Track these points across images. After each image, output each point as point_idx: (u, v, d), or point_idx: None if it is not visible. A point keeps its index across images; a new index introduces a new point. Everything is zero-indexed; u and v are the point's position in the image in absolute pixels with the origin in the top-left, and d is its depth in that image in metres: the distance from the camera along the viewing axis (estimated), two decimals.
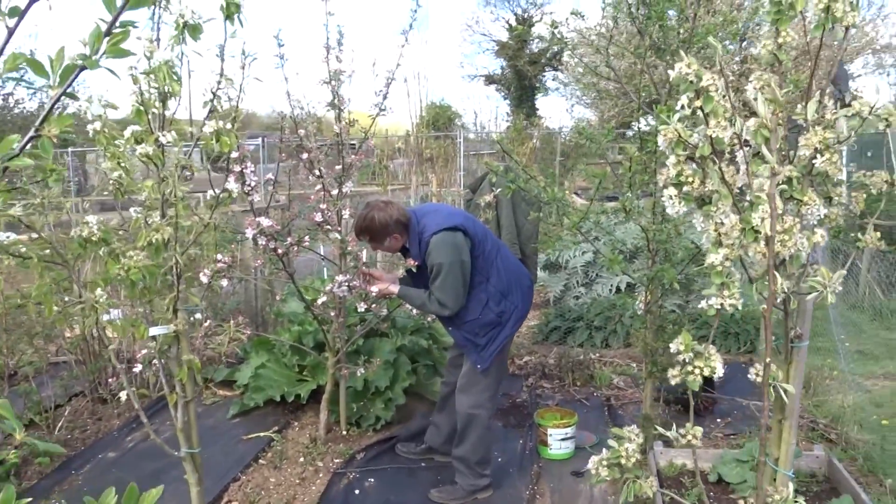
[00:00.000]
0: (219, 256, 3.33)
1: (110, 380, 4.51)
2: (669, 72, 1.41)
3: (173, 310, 2.55)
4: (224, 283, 3.36)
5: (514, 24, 36.03)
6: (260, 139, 16.76)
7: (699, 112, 1.39)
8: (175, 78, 2.40)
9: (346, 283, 3.39)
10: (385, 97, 3.64)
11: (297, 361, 4.48)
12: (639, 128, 3.73)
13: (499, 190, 4.16)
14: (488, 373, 3.35)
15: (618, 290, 6.56)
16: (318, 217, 3.25)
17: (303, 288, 5.08)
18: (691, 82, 1.35)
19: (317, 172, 3.60)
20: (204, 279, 3.23)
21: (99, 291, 2.43)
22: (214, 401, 4.78)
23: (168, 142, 2.40)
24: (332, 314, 3.80)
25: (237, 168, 3.03)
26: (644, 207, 3.59)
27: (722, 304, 1.67)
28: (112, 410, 4.52)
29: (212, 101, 2.52)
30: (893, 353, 5.34)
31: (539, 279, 7.21)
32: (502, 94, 36.36)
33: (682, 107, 1.40)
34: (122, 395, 2.54)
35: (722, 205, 1.66)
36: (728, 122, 1.41)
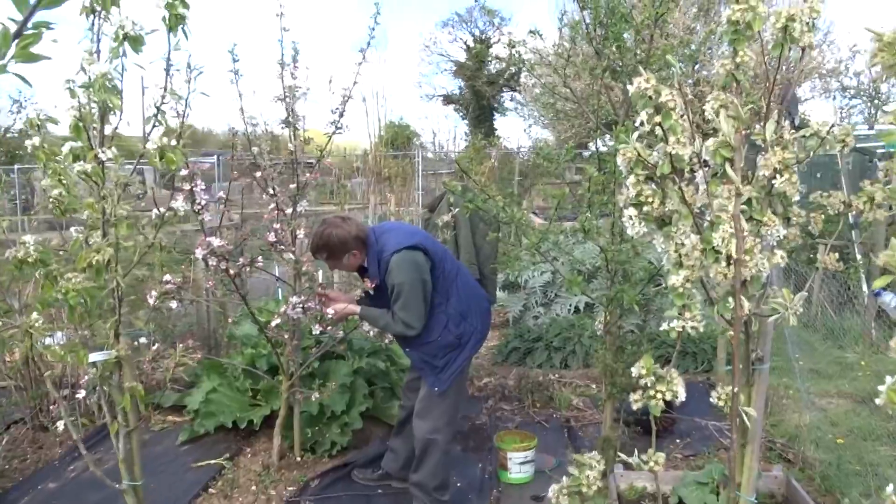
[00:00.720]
0: (167, 277, 3.20)
1: (51, 406, 4.30)
2: (629, 87, 1.37)
3: (115, 334, 2.42)
4: (173, 304, 3.23)
5: (471, 44, 36.38)
6: (216, 157, 16.47)
7: (658, 129, 1.35)
8: (115, 91, 2.30)
9: (301, 305, 3.29)
10: (341, 115, 3.57)
11: (250, 385, 4.34)
12: (597, 148, 3.72)
13: (457, 210, 4.12)
14: (446, 396, 3.27)
15: (576, 310, 6.56)
16: (272, 237, 3.15)
17: (257, 309, 4.95)
18: (650, 98, 1.31)
19: (270, 191, 3.51)
20: (151, 301, 3.10)
21: (35, 315, 2.29)
22: (163, 427, 4.60)
23: (108, 158, 2.29)
24: (286, 337, 3.69)
25: (186, 186, 2.92)
26: (602, 227, 3.57)
27: (683, 327, 1.64)
28: (54, 438, 4.31)
29: (155, 115, 2.41)
30: (846, 372, 5.42)
31: (498, 299, 7.18)
32: (460, 114, 36.61)
33: (642, 123, 1.36)
34: (60, 425, 2.40)
35: (682, 225, 1.63)
36: (687, 141, 1.37)
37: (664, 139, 1.35)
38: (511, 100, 35.76)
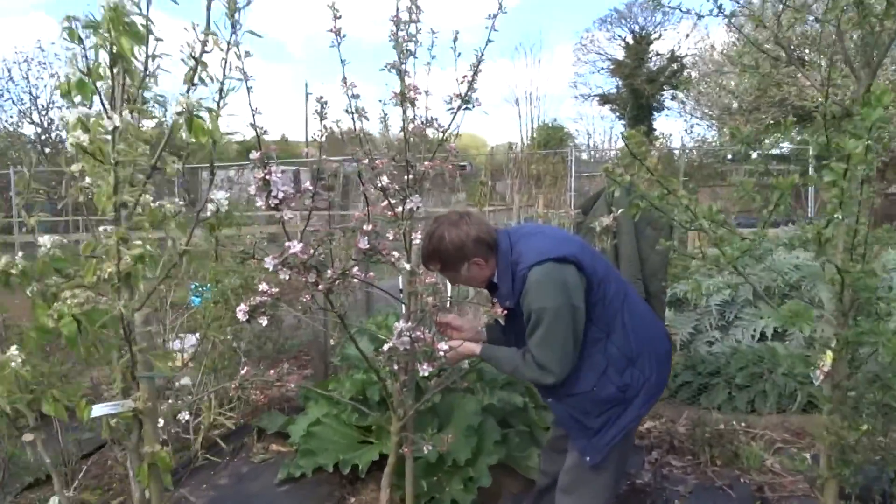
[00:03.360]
0: (263, 286, 2.51)
1: None
2: None
3: (131, 378, 1.73)
4: (263, 322, 2.53)
5: (630, 42, 34.73)
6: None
7: None
8: (133, 34, 1.60)
9: (409, 334, 2.49)
10: (470, 85, 2.73)
11: (358, 420, 3.62)
12: (826, 133, 2.63)
13: (620, 211, 3.16)
14: (602, 469, 2.35)
15: (762, 336, 5.33)
16: (363, 243, 2.35)
17: (375, 325, 4.25)
18: None
19: (379, 183, 2.73)
20: (241, 316, 2.42)
21: (13, 351, 1.64)
22: (264, 458, 3.98)
23: (116, 126, 1.58)
24: (397, 367, 2.90)
25: (259, 174, 2.20)
26: (835, 238, 2.49)
27: None
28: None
29: (194, 69, 1.69)
30: None
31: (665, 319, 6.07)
32: (617, 114, 34.97)
33: None
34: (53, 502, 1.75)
35: None
36: None
37: None
38: (672, 98, 33.80)
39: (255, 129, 2.15)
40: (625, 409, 2.29)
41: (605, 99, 35.80)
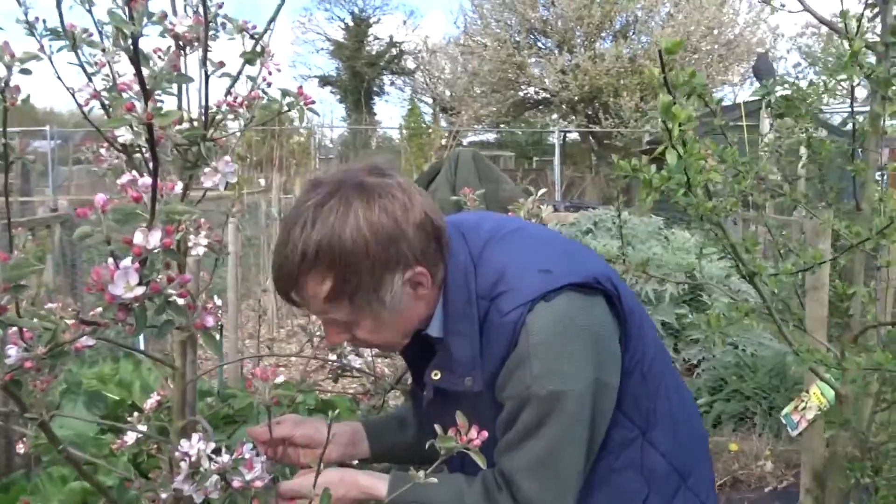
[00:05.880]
0: None
1: None
2: None
3: None
4: None
5: (350, 23, 34.27)
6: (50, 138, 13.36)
7: None
8: None
9: (213, 469, 1.10)
10: None
11: None
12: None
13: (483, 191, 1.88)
14: None
15: None
16: (124, 287, 0.88)
17: (96, 379, 2.64)
18: None
19: (118, 138, 1.27)
20: None
21: None
22: None
23: None
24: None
25: None
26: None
27: None
28: None
29: None
30: None
31: None
32: (337, 97, 34.22)
33: None
34: None
35: None
36: None
37: None
38: (391, 84, 34.05)
39: None
40: None
41: (325, 81, 34.94)
